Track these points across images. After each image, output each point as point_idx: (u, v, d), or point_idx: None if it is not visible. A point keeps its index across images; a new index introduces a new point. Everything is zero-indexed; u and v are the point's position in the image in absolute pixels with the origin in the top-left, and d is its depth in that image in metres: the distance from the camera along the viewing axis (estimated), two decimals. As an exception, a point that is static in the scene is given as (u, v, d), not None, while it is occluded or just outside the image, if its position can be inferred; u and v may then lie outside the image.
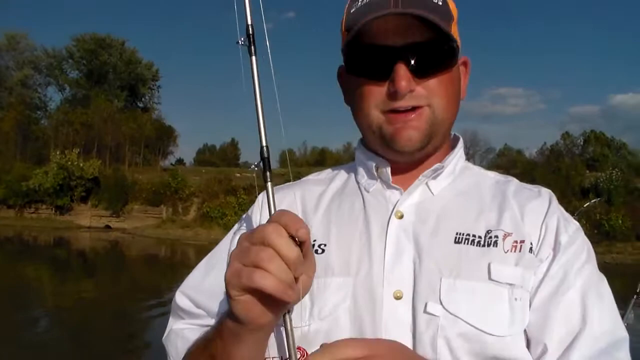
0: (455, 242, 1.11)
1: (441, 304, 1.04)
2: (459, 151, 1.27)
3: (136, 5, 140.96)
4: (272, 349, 1.10)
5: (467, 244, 1.11)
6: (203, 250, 1.34)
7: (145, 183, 48.49)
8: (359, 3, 1.12)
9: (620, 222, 34.95)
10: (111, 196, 46.24)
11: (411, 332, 1.05)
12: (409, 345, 1.03)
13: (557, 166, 45.43)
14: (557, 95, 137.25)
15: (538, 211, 1.16)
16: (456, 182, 1.23)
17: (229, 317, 0.98)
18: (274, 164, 1.05)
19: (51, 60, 74.56)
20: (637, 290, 3.90)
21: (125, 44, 78.13)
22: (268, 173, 1.00)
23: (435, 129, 1.14)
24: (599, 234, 34.30)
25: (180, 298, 1.26)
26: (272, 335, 1.09)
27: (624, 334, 1.07)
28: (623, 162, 55.65)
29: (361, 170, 1.27)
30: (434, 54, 1.10)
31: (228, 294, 0.93)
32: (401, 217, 1.16)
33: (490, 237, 1.12)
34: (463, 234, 1.12)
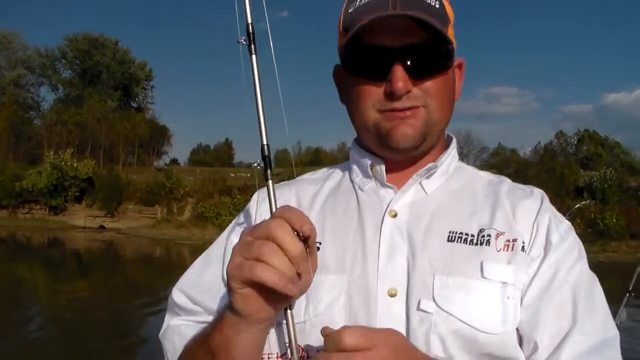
0: (449, 241, 1.13)
1: (434, 301, 1.06)
2: (453, 151, 1.29)
3: (129, 4, 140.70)
4: (272, 345, 1.11)
5: (460, 242, 1.13)
6: (198, 250, 1.34)
7: (140, 183, 48.38)
8: (357, 3, 1.13)
9: (614, 221, 35.06)
10: (105, 196, 46.10)
11: (405, 329, 1.07)
12: None
13: (551, 165, 45.53)
14: (550, 95, 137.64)
15: (530, 210, 1.18)
16: (450, 182, 1.25)
17: (229, 310, 0.99)
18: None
19: (44, 60, 74.41)
20: (629, 289, 3.92)
21: (118, 44, 78.01)
22: (269, 171, 1.01)
23: (430, 129, 1.16)
24: (594, 233, 34.41)
25: (177, 295, 1.27)
26: (273, 330, 1.10)
27: (614, 332, 1.09)
28: (617, 161, 55.90)
29: (356, 169, 1.28)
30: (431, 56, 1.12)
31: (229, 287, 0.95)
32: (395, 215, 1.17)
33: (483, 236, 1.13)
34: (456, 233, 1.14)
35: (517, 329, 1.07)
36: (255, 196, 1.31)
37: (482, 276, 1.08)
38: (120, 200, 46.90)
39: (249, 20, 1.04)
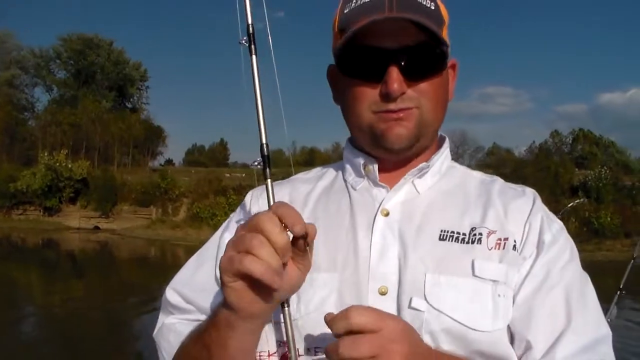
0: (440, 239, 1.14)
1: (425, 299, 1.07)
2: (445, 151, 1.29)
3: (123, 5, 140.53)
4: (264, 343, 1.11)
5: (452, 241, 1.14)
6: (193, 251, 1.35)
7: (135, 184, 48.37)
8: (353, 4, 1.14)
9: (609, 219, 35.20)
10: (100, 197, 46.05)
11: None
12: None
13: (546, 164, 45.66)
14: (545, 94, 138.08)
15: (522, 210, 1.19)
16: (442, 181, 1.25)
17: (223, 306, 1.00)
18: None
19: (38, 60, 74.26)
20: (620, 287, 3.94)
21: (113, 44, 77.93)
22: (268, 170, 1.02)
23: (423, 130, 1.17)
24: (588, 231, 34.54)
25: (171, 294, 1.28)
26: (266, 328, 1.10)
27: (606, 331, 1.10)
28: (611, 160, 56.17)
29: (349, 169, 1.29)
30: (426, 57, 1.13)
31: (221, 281, 0.95)
32: (387, 214, 1.18)
33: (475, 235, 1.14)
34: (448, 231, 1.15)
35: (509, 327, 1.08)
36: (249, 195, 1.33)
37: (474, 274, 1.09)
38: (115, 201, 46.85)
39: (250, 21, 1.05)
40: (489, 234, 1.14)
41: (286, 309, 0.99)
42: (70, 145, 54.81)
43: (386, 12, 1.09)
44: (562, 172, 44.26)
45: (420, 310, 1.06)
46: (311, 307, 1.09)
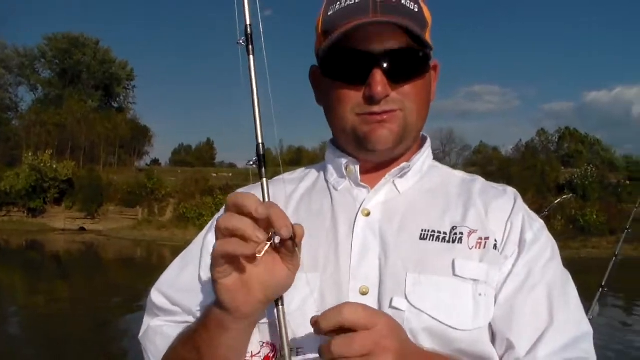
0: (421, 239, 1.15)
1: (406, 298, 1.07)
2: (427, 150, 1.31)
3: (109, 5, 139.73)
4: (254, 344, 1.11)
5: (433, 240, 1.14)
6: (179, 251, 1.35)
7: (121, 184, 48.03)
8: (337, 6, 1.14)
9: (595, 217, 35.38)
10: (86, 197, 45.67)
11: None
12: None
13: (532, 163, 45.86)
14: (531, 93, 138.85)
15: (503, 209, 1.20)
16: (423, 181, 1.26)
17: (215, 307, 1.00)
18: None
19: (22, 59, 73.70)
20: (602, 284, 3.97)
21: (99, 43, 77.46)
22: (264, 170, 1.02)
23: (407, 132, 1.18)
24: (575, 229, 34.71)
25: (156, 295, 1.27)
26: (264, 328, 1.11)
27: (588, 328, 1.11)
28: (597, 158, 56.54)
29: (331, 169, 1.30)
30: (410, 60, 1.14)
31: (213, 278, 0.96)
32: (368, 214, 1.19)
33: (455, 234, 1.15)
34: (428, 231, 1.16)
35: (491, 326, 1.09)
36: (228, 201, 1.32)
37: (454, 274, 1.09)
38: (100, 202, 46.48)
39: (248, 22, 1.05)
40: (470, 233, 1.15)
41: (280, 307, 0.99)
42: (55, 145, 54.31)
43: (370, 15, 1.09)
44: (549, 171, 44.49)
45: (401, 310, 1.06)
46: (293, 307, 1.09)
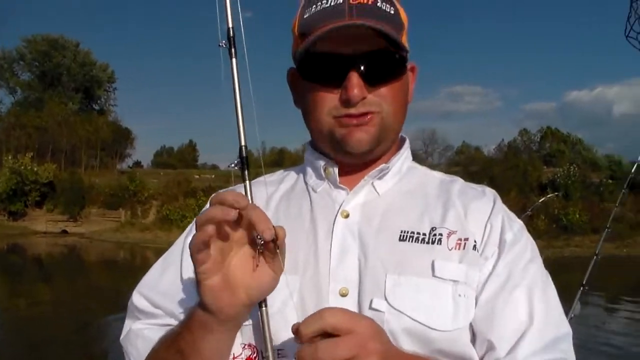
0: (400, 240, 1.15)
1: (386, 299, 1.07)
2: (405, 152, 1.31)
3: (90, 5, 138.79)
4: (235, 346, 1.10)
5: (412, 241, 1.14)
6: (163, 253, 1.34)
7: (103, 186, 47.85)
8: (313, 9, 1.14)
9: (577, 216, 35.77)
10: (67, 200, 45.41)
11: None
12: None
13: (514, 163, 46.26)
14: (513, 93, 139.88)
15: (483, 210, 1.20)
16: (402, 182, 1.26)
17: (199, 308, 0.99)
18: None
19: (1, 61, 73.00)
20: (583, 283, 4.00)
21: (79, 46, 76.97)
22: (247, 172, 1.02)
23: (384, 134, 1.18)
24: (557, 228, 35.07)
25: (137, 298, 1.26)
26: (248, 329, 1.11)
27: (567, 329, 1.12)
28: (579, 157, 57.00)
29: (309, 171, 1.30)
30: (386, 63, 1.14)
31: (197, 278, 0.95)
32: (347, 216, 1.19)
33: (435, 235, 1.15)
34: (407, 232, 1.16)
35: (471, 327, 1.09)
36: (212, 198, 1.31)
37: (434, 275, 1.09)
38: (82, 204, 46.26)
39: (230, 24, 1.05)
40: (449, 234, 1.15)
41: (264, 309, 0.99)
42: (35, 148, 53.91)
43: (346, 18, 1.09)
44: (531, 170, 44.92)
45: (381, 311, 1.06)
46: (273, 310, 1.07)
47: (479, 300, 1.10)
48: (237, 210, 0.91)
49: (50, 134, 57.54)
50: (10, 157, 47.71)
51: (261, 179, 1.36)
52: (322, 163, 1.25)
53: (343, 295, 1.10)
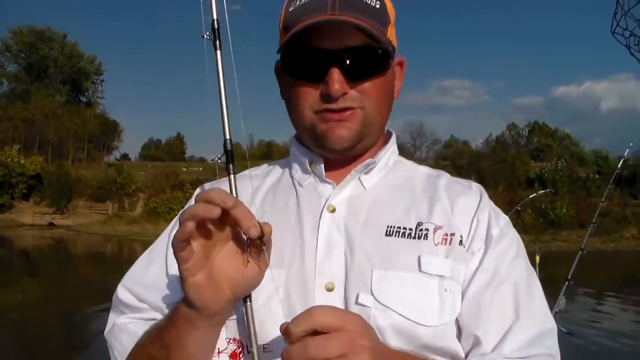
0: (386, 235, 1.14)
1: (372, 294, 1.07)
2: (392, 146, 1.30)
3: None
4: (220, 341, 1.10)
5: (398, 236, 1.14)
6: (150, 246, 1.33)
7: (90, 179, 47.68)
8: (297, 3, 1.13)
9: (564, 210, 35.98)
10: (54, 193, 45.21)
11: None
12: None
13: (502, 157, 46.44)
14: (501, 87, 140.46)
15: (469, 205, 1.20)
16: (388, 177, 1.26)
17: (184, 304, 0.99)
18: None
19: (-13, 53, 72.41)
20: (569, 277, 4.03)
21: (66, 37, 76.45)
22: (232, 166, 1.01)
23: (366, 130, 1.17)
24: (545, 222, 35.26)
25: (122, 292, 1.25)
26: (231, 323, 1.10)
27: (552, 325, 1.12)
28: (566, 152, 57.35)
29: (295, 165, 1.29)
30: (368, 58, 1.13)
31: (181, 276, 0.95)
32: (333, 210, 1.18)
33: (421, 230, 1.15)
34: (394, 227, 1.15)
35: (457, 322, 1.09)
36: (197, 192, 1.31)
37: (420, 270, 1.09)
38: (70, 197, 46.08)
39: (215, 16, 1.04)
40: (436, 229, 1.14)
41: (248, 304, 0.99)
42: (22, 140, 53.55)
43: (328, 12, 1.08)
44: (519, 165, 45.14)
45: (367, 306, 1.06)
46: (258, 304, 1.07)
47: (465, 295, 1.10)
48: (220, 208, 0.90)
49: (37, 126, 57.20)
50: (-4, 149, 47.36)
51: (246, 172, 1.35)
52: (307, 157, 1.24)
53: (329, 290, 1.09)
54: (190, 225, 0.89)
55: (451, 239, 1.13)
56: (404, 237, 1.13)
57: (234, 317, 1.08)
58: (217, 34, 1.04)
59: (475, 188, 1.25)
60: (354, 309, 1.06)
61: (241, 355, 1.10)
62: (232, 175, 1.01)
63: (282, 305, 1.08)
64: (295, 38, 1.10)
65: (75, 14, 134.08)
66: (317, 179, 1.23)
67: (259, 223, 0.92)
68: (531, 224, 33.40)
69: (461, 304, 1.10)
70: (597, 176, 40.93)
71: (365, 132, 1.17)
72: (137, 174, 48.60)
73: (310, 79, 1.13)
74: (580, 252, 4.19)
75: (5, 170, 45.37)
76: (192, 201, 1.29)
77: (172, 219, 1.33)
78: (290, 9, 1.14)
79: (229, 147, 1.01)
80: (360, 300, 1.06)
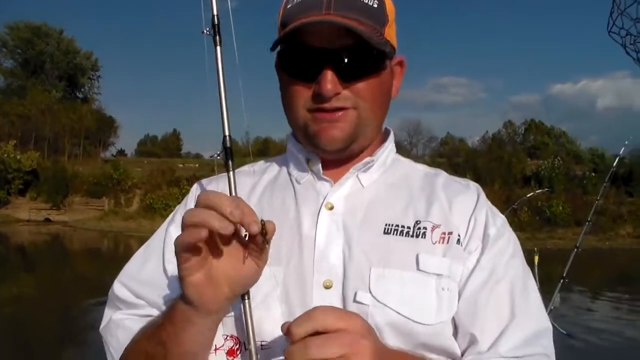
0: (385, 233, 1.14)
1: (370, 292, 1.07)
2: (390, 144, 1.30)
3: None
4: (217, 338, 1.09)
5: (396, 234, 1.14)
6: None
7: (86, 175, 47.58)
8: (295, 0, 1.13)
9: (561, 208, 35.98)
10: (51, 188, 45.08)
11: None
12: None
13: (499, 154, 46.40)
14: (498, 85, 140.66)
15: (467, 204, 1.20)
16: (386, 175, 1.26)
17: (181, 301, 0.98)
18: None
19: (-17, 49, 72.14)
20: (564, 275, 4.04)
21: (63, 33, 76.21)
22: (231, 162, 1.01)
23: (360, 130, 1.17)
24: (541, 220, 35.26)
25: (119, 288, 1.25)
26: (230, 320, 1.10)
27: (547, 324, 1.13)
28: (562, 150, 57.41)
29: (293, 162, 1.28)
30: (362, 58, 1.12)
31: (180, 275, 0.94)
32: (331, 208, 1.18)
33: (419, 228, 1.15)
34: (392, 225, 1.15)
35: (454, 320, 1.10)
36: (195, 186, 1.31)
37: (418, 268, 1.09)
38: (66, 193, 45.96)
39: (215, 12, 1.03)
40: (433, 228, 1.15)
41: (246, 301, 0.99)
42: (18, 136, 53.41)
43: (323, 12, 1.08)
44: (515, 162, 45.13)
45: (365, 304, 1.06)
46: (256, 301, 1.07)
47: (462, 294, 1.11)
48: (232, 226, 0.89)
49: (33, 122, 57.02)
50: (-8, 145, 47.23)
51: (244, 168, 1.35)
52: (305, 155, 1.24)
53: (327, 287, 1.09)
54: (204, 234, 0.88)
55: (449, 237, 1.13)
56: (402, 235, 1.13)
57: (232, 314, 1.08)
58: (217, 30, 1.03)
59: (473, 187, 1.25)
60: (352, 306, 1.06)
61: (238, 352, 1.10)
62: (231, 172, 1.00)
63: (280, 303, 1.08)
64: (290, 36, 1.09)
65: (71, 9, 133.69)
66: (314, 176, 1.23)
67: (262, 221, 0.92)
68: (527, 222, 33.38)
69: (458, 302, 1.10)
70: (594, 174, 40.95)
71: (358, 133, 1.16)
72: (133, 170, 48.53)
73: (304, 78, 1.12)
74: (575, 250, 4.20)
75: (2, 165, 45.24)
76: (190, 197, 1.30)
77: (168, 215, 1.32)
78: (288, 6, 1.14)
79: (228, 144, 1.01)
80: (358, 298, 1.06)
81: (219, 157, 1.02)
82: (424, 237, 1.13)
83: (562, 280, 4.06)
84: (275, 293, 1.09)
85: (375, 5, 1.12)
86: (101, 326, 1.24)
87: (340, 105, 1.12)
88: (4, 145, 47.23)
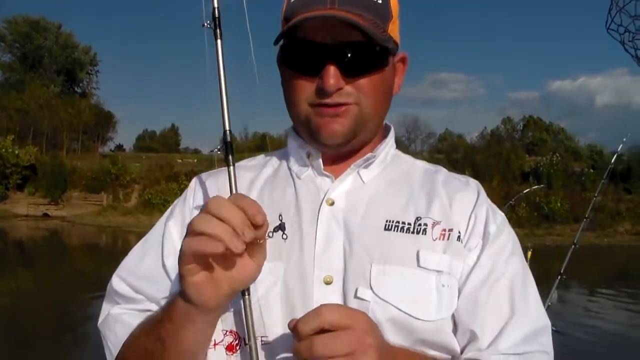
0: (385, 229, 1.14)
1: (371, 289, 1.07)
2: (390, 140, 1.30)
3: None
4: (217, 333, 1.10)
5: (397, 231, 1.14)
6: (145, 237, 1.32)
7: (85, 170, 47.55)
8: None
9: (559, 205, 36.02)
10: (49, 184, 45.04)
11: None
12: None
13: (497, 150, 46.41)
14: (497, 81, 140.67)
15: (467, 201, 1.20)
16: (387, 171, 1.25)
17: (181, 298, 0.98)
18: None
19: (-19, 43, 71.98)
20: (561, 272, 4.05)
21: (61, 28, 76.05)
22: (231, 157, 1.01)
23: (361, 126, 1.16)
24: (539, 216, 35.29)
25: (117, 282, 1.25)
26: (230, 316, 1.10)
27: (546, 322, 1.14)
28: (561, 146, 57.42)
29: (293, 157, 1.28)
30: (366, 54, 1.11)
31: (180, 274, 0.94)
32: (332, 204, 1.18)
33: (420, 225, 1.15)
34: (393, 221, 1.15)
35: (454, 317, 1.10)
36: (193, 181, 1.31)
37: (418, 265, 1.10)
38: (64, 188, 45.93)
39: (215, 4, 1.03)
40: (434, 224, 1.15)
41: (246, 297, 0.99)
42: (16, 131, 53.26)
43: (327, 6, 1.07)
44: (514, 159, 45.16)
45: (366, 300, 1.06)
46: (257, 297, 1.07)
47: (462, 291, 1.11)
48: (244, 244, 0.90)
49: (31, 116, 56.92)
50: (-10, 140, 47.14)
51: (243, 162, 1.35)
52: (306, 149, 1.23)
53: (328, 283, 1.09)
54: (220, 249, 0.88)
55: (449, 234, 1.13)
56: (403, 231, 1.13)
57: (231, 309, 1.08)
58: (217, 22, 1.02)
59: (473, 184, 1.25)
60: (353, 302, 1.06)
61: (238, 348, 1.10)
62: (231, 167, 1.00)
63: (280, 298, 1.09)
64: (293, 30, 1.09)
65: (70, 4, 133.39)
66: (315, 171, 1.22)
67: (264, 211, 0.92)
68: (525, 218, 33.44)
69: (458, 299, 1.10)
70: (592, 171, 40.96)
71: (359, 129, 1.16)
72: (131, 165, 48.52)
73: (307, 73, 1.12)
74: (573, 246, 4.21)
75: (0, 160, 45.14)
76: (189, 192, 1.29)
77: (166, 210, 1.32)
78: (291, 0, 1.13)
79: (228, 138, 1.01)
80: (359, 294, 1.06)
81: (219, 152, 1.01)
82: (425, 234, 1.13)
83: (559, 277, 4.08)
84: (276, 289, 1.09)
85: (380, 2, 1.11)
86: (99, 321, 1.24)
87: (342, 101, 1.12)
88: (2, 140, 47.08)
